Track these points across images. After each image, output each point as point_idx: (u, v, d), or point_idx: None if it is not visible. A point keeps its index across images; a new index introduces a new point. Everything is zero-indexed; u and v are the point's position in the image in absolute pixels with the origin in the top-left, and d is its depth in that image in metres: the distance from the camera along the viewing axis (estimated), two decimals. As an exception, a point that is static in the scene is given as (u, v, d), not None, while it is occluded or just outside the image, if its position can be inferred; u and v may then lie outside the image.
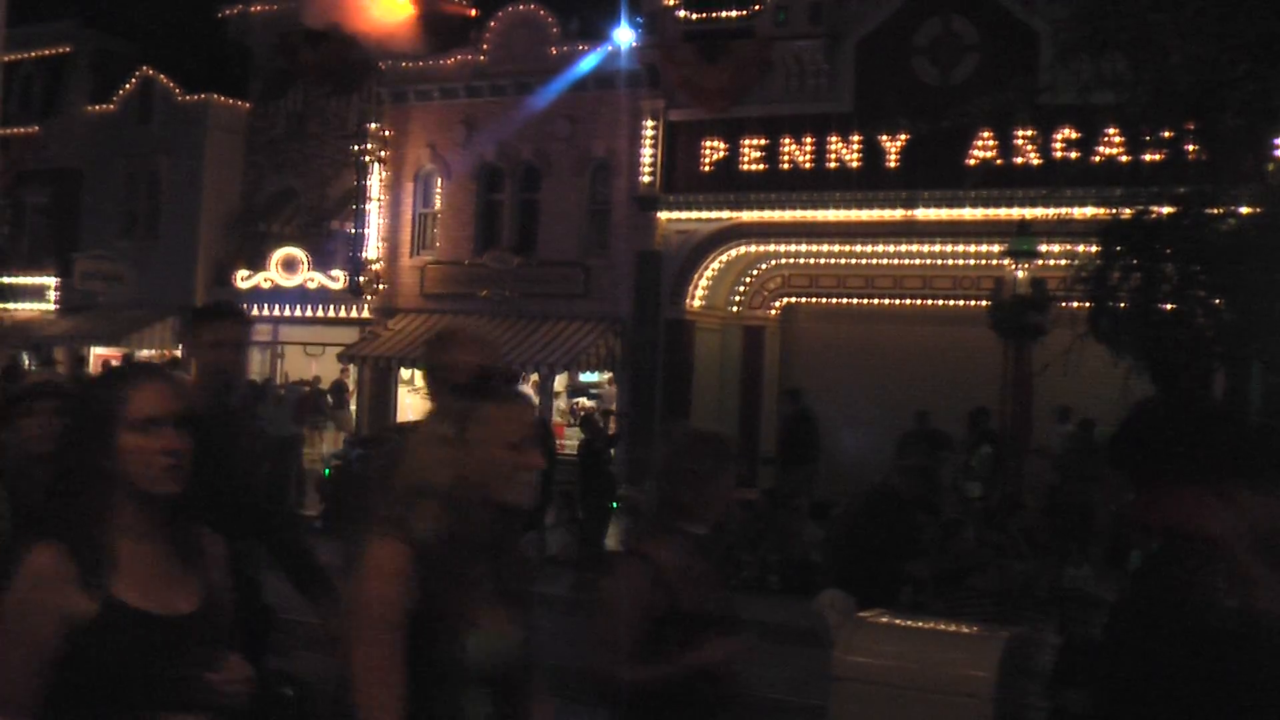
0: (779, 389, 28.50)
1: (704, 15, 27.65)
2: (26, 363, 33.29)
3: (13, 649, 3.42)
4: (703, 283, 27.86)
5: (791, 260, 28.01)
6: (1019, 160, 24.07)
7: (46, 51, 36.78)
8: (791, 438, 23.80)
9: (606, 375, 29.49)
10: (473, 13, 33.19)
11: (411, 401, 31.44)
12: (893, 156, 25.48)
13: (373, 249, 31.63)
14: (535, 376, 29.52)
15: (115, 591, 3.47)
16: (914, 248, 25.71)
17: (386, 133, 31.69)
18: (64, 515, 3.52)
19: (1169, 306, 16.33)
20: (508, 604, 3.89)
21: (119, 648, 3.44)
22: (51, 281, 36.26)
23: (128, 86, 35.67)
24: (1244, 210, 15.67)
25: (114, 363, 32.42)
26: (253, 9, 34.37)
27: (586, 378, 30.20)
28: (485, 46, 30.82)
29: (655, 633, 4.87)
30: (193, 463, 4.77)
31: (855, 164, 25.96)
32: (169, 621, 3.54)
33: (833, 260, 27.30)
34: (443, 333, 5.56)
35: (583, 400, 30.54)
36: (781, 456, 24.38)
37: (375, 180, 31.63)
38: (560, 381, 30.16)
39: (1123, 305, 16.64)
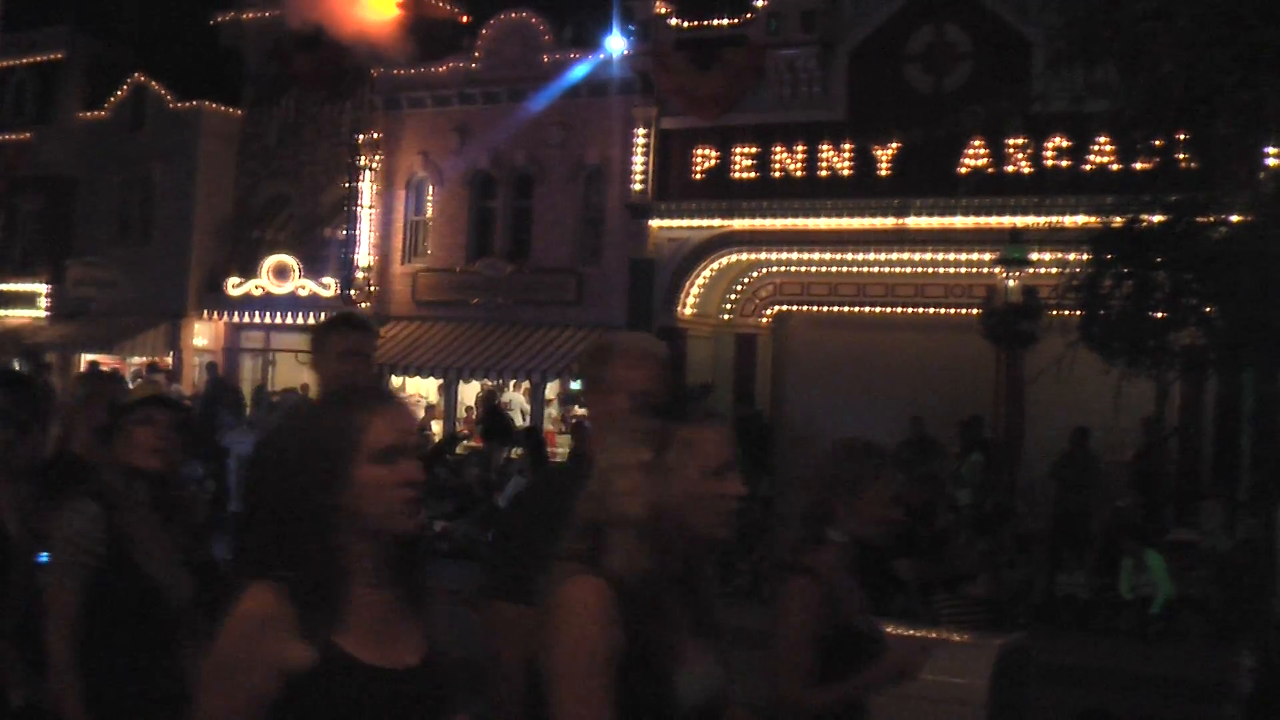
0: (770, 396, 28.53)
1: (696, 23, 27.66)
2: (18, 368, 33.23)
3: (224, 697, 3.14)
4: (695, 290, 27.87)
5: (783, 268, 28.01)
6: (1010, 168, 24.09)
7: (39, 58, 36.76)
8: (740, 444, 23.64)
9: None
10: (465, 19, 33.21)
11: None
12: (884, 165, 25.50)
13: (365, 256, 31.61)
14: (527, 384, 29.53)
15: (338, 640, 3.15)
16: (906, 256, 25.73)
17: (379, 140, 31.67)
18: (286, 553, 3.17)
19: (1161, 314, 16.36)
20: (704, 638, 3.63)
21: (339, 701, 3.14)
22: (43, 288, 36.22)
23: (120, 93, 35.64)
24: (1236, 218, 15.69)
25: (104, 367, 32.41)
26: (245, 16, 34.37)
27: (579, 385, 30.18)
28: (478, 54, 30.84)
29: (827, 652, 4.70)
30: None
31: (847, 172, 25.97)
32: (394, 675, 3.23)
33: (825, 268, 27.30)
34: (603, 345, 5.08)
35: (575, 408, 30.51)
36: None
37: (367, 187, 31.62)
38: (552, 389, 30.12)
39: (1115, 313, 16.68)
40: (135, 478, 5.19)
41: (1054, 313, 18.79)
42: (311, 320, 31.97)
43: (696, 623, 3.61)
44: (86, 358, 34.86)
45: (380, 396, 3.34)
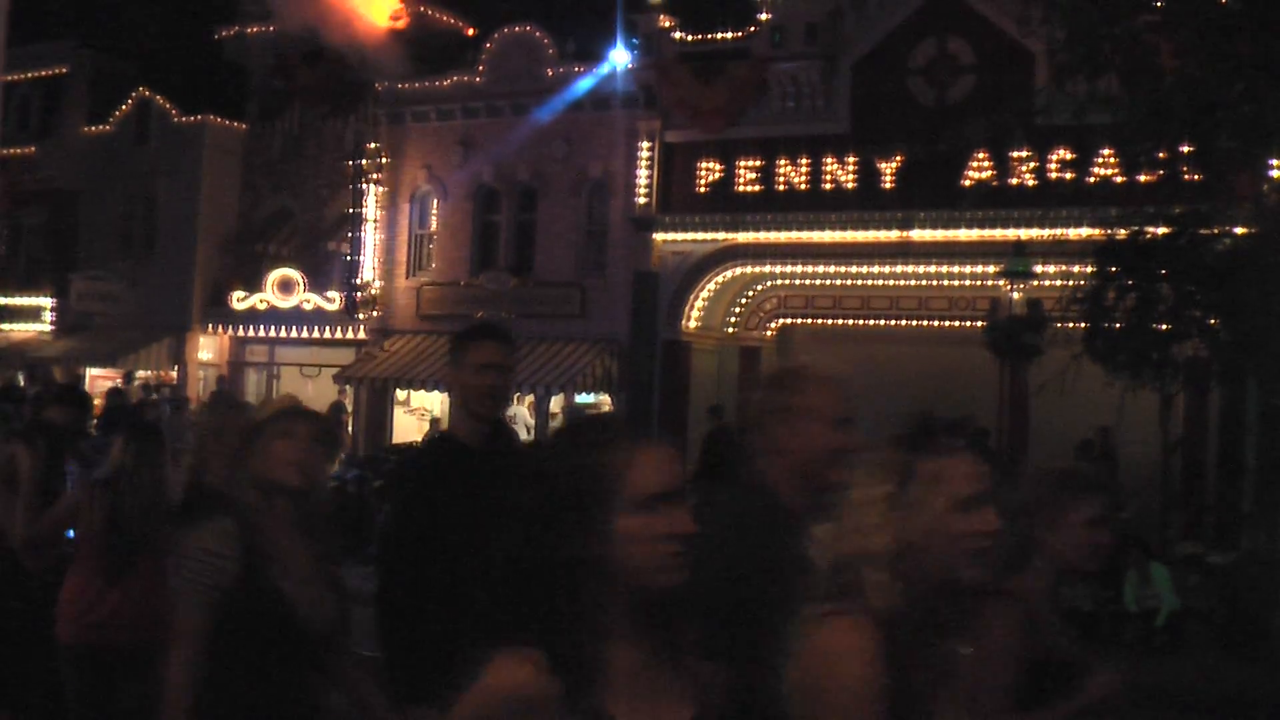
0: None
1: (700, 36, 27.71)
2: (22, 383, 33.29)
3: None
4: (699, 304, 27.87)
5: (787, 281, 27.99)
6: (1014, 181, 24.10)
7: (44, 72, 36.80)
8: (708, 455, 23.48)
9: (603, 396, 29.45)
10: (470, 32, 33.26)
11: (407, 423, 31.45)
12: (888, 177, 25.50)
13: (369, 270, 31.62)
14: (531, 397, 29.51)
15: (604, 708, 2.81)
16: (910, 268, 25.70)
17: (383, 154, 31.70)
18: (533, 615, 2.81)
19: (1165, 327, 16.37)
20: (951, 684, 3.34)
21: None
22: (48, 302, 36.24)
23: (125, 107, 35.69)
24: (1239, 230, 15.71)
25: (115, 384, 32.42)
26: (249, 30, 34.39)
27: (583, 399, 30.16)
28: (481, 68, 30.86)
29: (1029, 678, 4.50)
30: (468, 507, 4.42)
31: (851, 185, 25.97)
32: None
33: (829, 281, 27.29)
34: (789, 371, 4.85)
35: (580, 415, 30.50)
36: (697, 473, 24.02)
37: (371, 201, 31.63)
38: (556, 402, 30.09)
39: (1118, 325, 16.69)
40: (274, 493, 4.97)
41: (1058, 325, 18.77)
42: (316, 335, 32.07)
43: (946, 669, 3.34)
44: (93, 372, 34.93)
45: (638, 434, 3.00)
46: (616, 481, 2.85)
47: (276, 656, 4.88)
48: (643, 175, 28.00)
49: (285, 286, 32.96)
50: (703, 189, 27.46)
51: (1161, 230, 16.18)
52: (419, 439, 29.53)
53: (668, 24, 27.81)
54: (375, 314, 31.61)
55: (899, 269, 25.86)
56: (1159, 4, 15.06)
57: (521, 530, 2.91)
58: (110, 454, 7.82)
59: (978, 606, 3.53)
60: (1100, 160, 22.00)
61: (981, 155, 24.14)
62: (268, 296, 33.07)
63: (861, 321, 28.09)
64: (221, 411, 7.27)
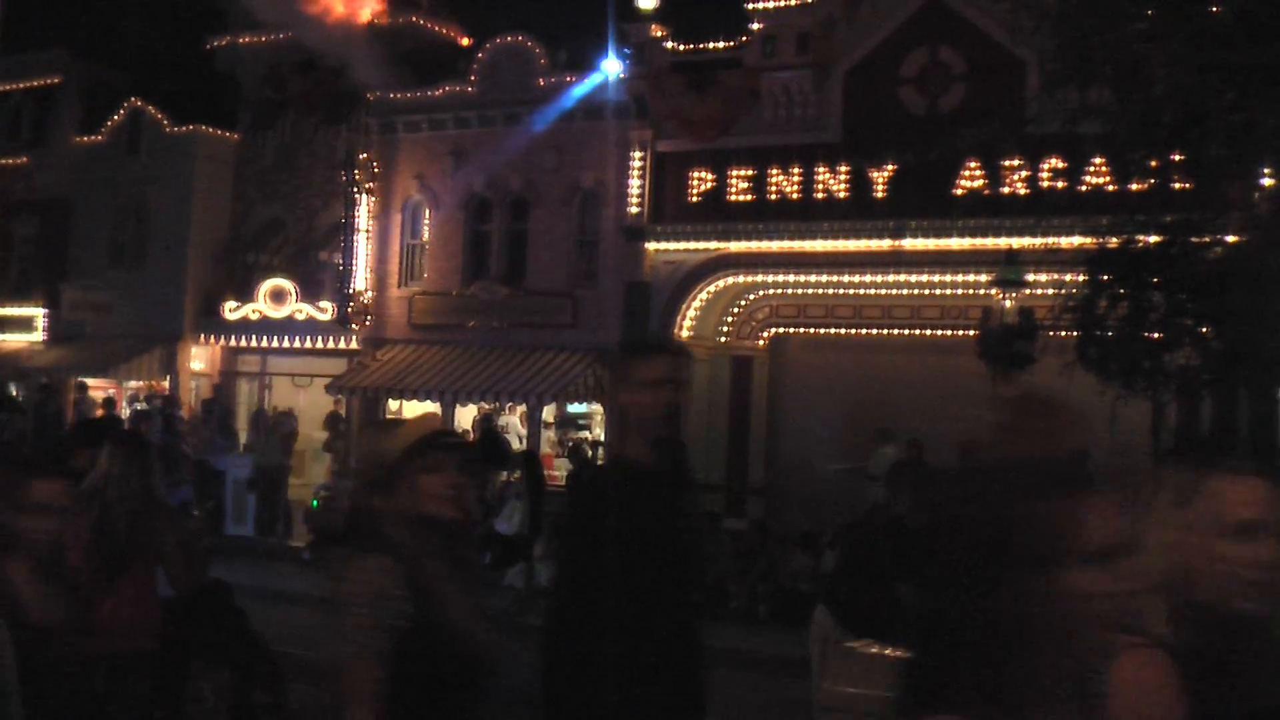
0: (767, 418, 28.50)
1: (692, 46, 27.74)
2: (15, 393, 33.28)
3: None
4: (691, 313, 27.85)
5: (780, 290, 28.01)
6: (1006, 190, 24.12)
7: (35, 82, 36.82)
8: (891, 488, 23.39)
9: (595, 406, 29.44)
10: (465, 42, 33.29)
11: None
12: (880, 186, 25.53)
13: (361, 280, 31.60)
14: (523, 407, 29.50)
15: None
16: (902, 277, 25.72)
17: (375, 163, 31.69)
18: (965, 679, 2.47)
19: (1157, 335, 16.38)
20: None
21: None
22: (40, 312, 36.20)
23: (116, 117, 35.67)
24: (1230, 239, 15.73)
25: (104, 394, 32.37)
26: (241, 40, 34.39)
27: (575, 408, 30.16)
28: (473, 77, 30.88)
29: None
30: (641, 529, 4.35)
31: (843, 194, 26.00)
32: None
33: (821, 290, 27.31)
34: (1031, 400, 4.71)
35: (570, 431, 30.50)
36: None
37: (363, 211, 31.62)
38: (549, 412, 30.09)
39: (1110, 334, 16.70)
40: (427, 528, 4.75)
41: (1050, 334, 18.79)
42: (308, 344, 32.04)
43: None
44: (89, 382, 34.91)
45: (1083, 482, 2.66)
46: (1069, 533, 2.53)
47: (453, 695, 4.75)
48: (634, 185, 28.01)
49: (277, 296, 32.95)
50: (695, 198, 27.48)
51: (1153, 239, 16.19)
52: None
53: (659, 34, 27.84)
54: (367, 324, 31.60)
55: (891, 278, 25.88)
56: (1149, 13, 15.09)
57: (939, 587, 2.59)
58: (97, 463, 7.81)
59: (1249, 643, 3.16)
60: (1092, 169, 22.00)
61: (973, 164, 24.16)
62: (260, 306, 33.05)
63: (854, 331, 28.09)
64: (378, 434, 6.97)
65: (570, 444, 28.76)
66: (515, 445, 28.35)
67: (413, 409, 31.21)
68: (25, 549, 4.94)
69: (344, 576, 4.68)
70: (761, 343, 29.11)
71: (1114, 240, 16.62)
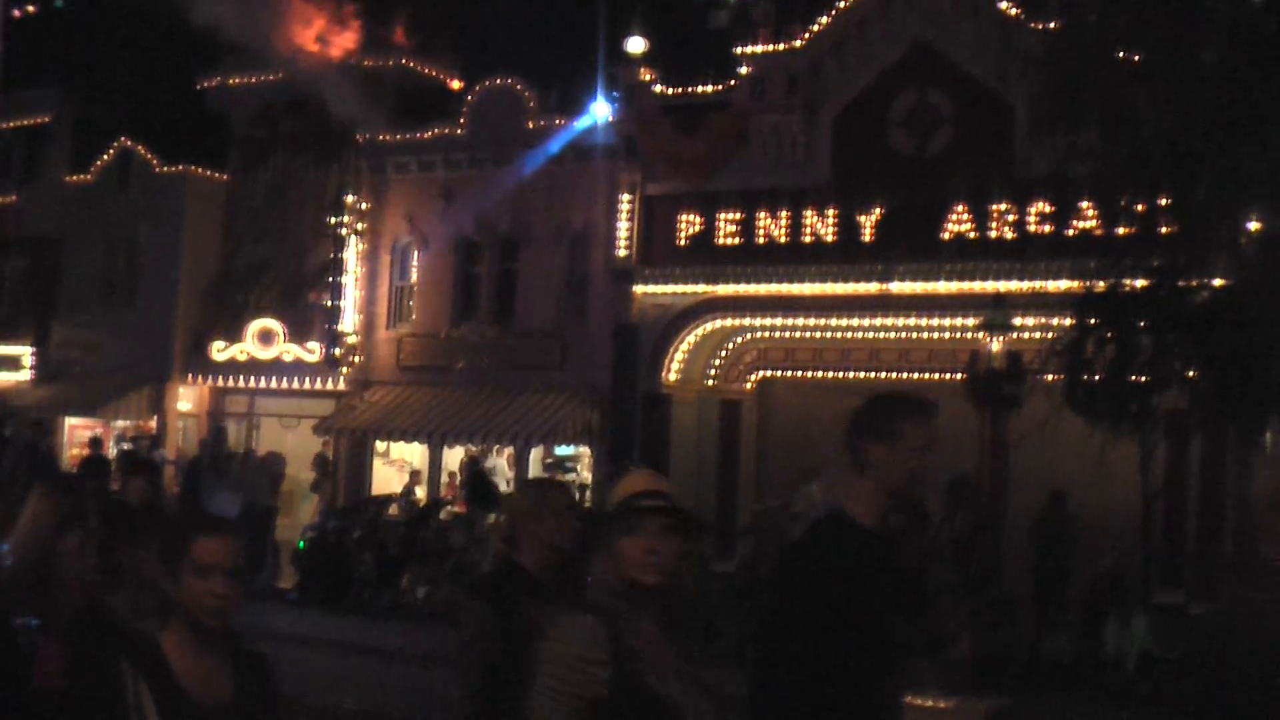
0: (755, 462, 28.48)
1: (680, 89, 27.84)
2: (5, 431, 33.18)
3: None
4: (679, 356, 27.85)
5: (767, 334, 28.02)
6: (993, 233, 24.19)
7: (26, 120, 36.87)
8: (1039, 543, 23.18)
9: (583, 448, 29.41)
10: (456, 84, 33.37)
11: (387, 474, 31.37)
12: (868, 230, 25.59)
13: (349, 321, 31.58)
14: (510, 449, 29.47)
15: None
16: (889, 321, 25.75)
17: (364, 204, 31.73)
18: None
19: (1144, 378, 16.44)
20: None
21: None
22: (28, 350, 36.15)
23: (107, 156, 35.70)
24: (1217, 282, 15.80)
25: (91, 434, 32.32)
26: (232, 80, 34.46)
27: (563, 450, 30.12)
28: (463, 119, 30.95)
29: None
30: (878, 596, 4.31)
31: (831, 237, 26.05)
32: None
33: (809, 334, 27.30)
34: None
35: (558, 473, 30.41)
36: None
37: (352, 252, 31.63)
38: (536, 454, 30.04)
39: (1098, 376, 16.75)
40: (633, 592, 4.49)
41: (1038, 377, 18.83)
42: (296, 385, 31.99)
43: None
44: (70, 421, 34.84)
45: None
46: None
47: None
48: (623, 227, 28.05)
49: (265, 337, 32.93)
50: (683, 241, 27.52)
51: (1140, 282, 16.27)
52: (398, 490, 29.49)
53: (648, 77, 27.94)
54: (355, 365, 31.57)
55: (879, 321, 25.91)
56: (1137, 58, 15.18)
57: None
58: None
59: None
60: (1079, 212, 22.10)
61: (961, 207, 24.25)
62: (248, 347, 33.03)
63: (841, 374, 28.07)
64: (541, 490, 6.84)
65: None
66: (502, 488, 28.30)
67: (400, 450, 31.23)
68: (187, 617, 4.47)
69: (546, 635, 4.45)
70: (749, 386, 29.10)
71: (1101, 283, 16.70)
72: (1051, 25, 15.79)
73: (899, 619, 5.05)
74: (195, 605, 4.39)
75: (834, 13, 26.25)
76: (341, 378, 31.68)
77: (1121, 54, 14.39)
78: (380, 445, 31.35)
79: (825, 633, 4.89)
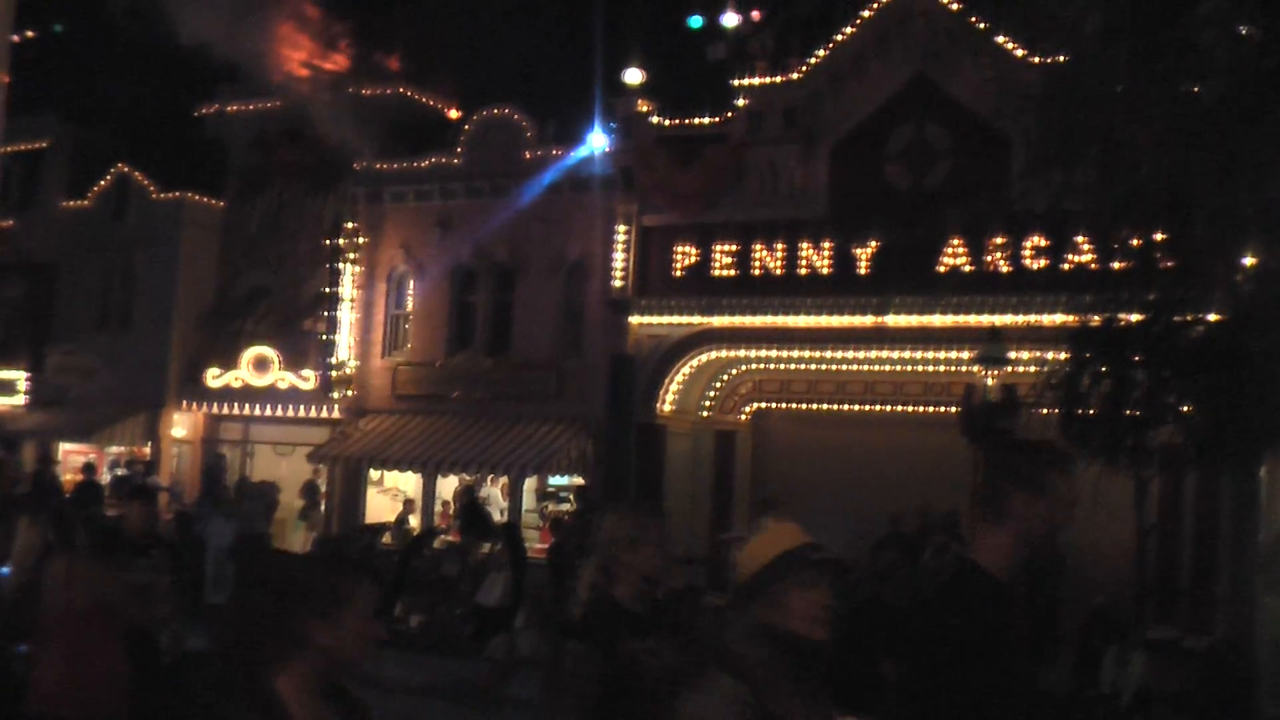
0: (750, 494, 28.46)
1: (678, 120, 27.90)
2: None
3: None
4: (674, 386, 27.87)
5: (763, 365, 28.05)
6: (990, 267, 24.25)
7: (23, 146, 36.87)
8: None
9: (578, 478, 29.39)
10: (454, 113, 33.43)
11: (380, 503, 31.33)
12: (864, 263, 25.65)
13: (345, 349, 31.59)
14: (505, 479, 29.44)
15: None
16: (885, 354, 25.78)
17: (360, 233, 31.75)
18: None
19: (1139, 413, 16.45)
20: None
21: None
22: (22, 375, 36.11)
23: (104, 182, 35.74)
24: (1213, 317, 15.83)
25: (85, 460, 32.26)
26: (229, 108, 34.55)
27: (557, 480, 30.10)
28: (460, 149, 31.00)
29: None
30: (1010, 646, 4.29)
31: (827, 270, 26.09)
32: None
33: (804, 366, 27.33)
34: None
35: (550, 504, 30.36)
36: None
37: (348, 280, 31.66)
38: (530, 484, 30.01)
39: (1093, 411, 16.76)
40: (785, 647, 4.28)
41: (1033, 411, 18.85)
42: (291, 413, 31.95)
43: None
44: (65, 447, 34.78)
45: None
46: None
47: None
48: (619, 258, 28.10)
49: (261, 364, 32.92)
50: (679, 272, 27.56)
51: (1136, 317, 16.30)
52: (391, 518, 29.47)
53: (646, 108, 28.01)
54: (350, 393, 31.57)
55: (874, 354, 25.94)
56: (1134, 95, 15.22)
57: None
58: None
59: None
60: (1075, 247, 22.15)
61: (957, 241, 24.32)
62: (243, 374, 33.03)
63: (836, 406, 28.14)
64: (636, 521, 6.46)
65: (550, 517, 28.74)
66: (496, 517, 28.27)
67: (395, 479, 31.20)
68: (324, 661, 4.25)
69: (679, 694, 4.16)
70: (744, 417, 29.14)
71: (1097, 318, 16.74)
72: (1050, 60, 15.84)
73: (1038, 669, 5.00)
74: (347, 648, 4.25)
75: (831, 46, 26.36)
76: (336, 406, 31.67)
77: (1119, 91, 14.42)
78: (374, 474, 31.31)
79: (969, 691, 4.78)
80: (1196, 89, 12.75)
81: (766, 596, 4.42)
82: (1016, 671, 4.87)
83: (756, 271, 26.77)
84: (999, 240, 23.90)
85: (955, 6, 25.07)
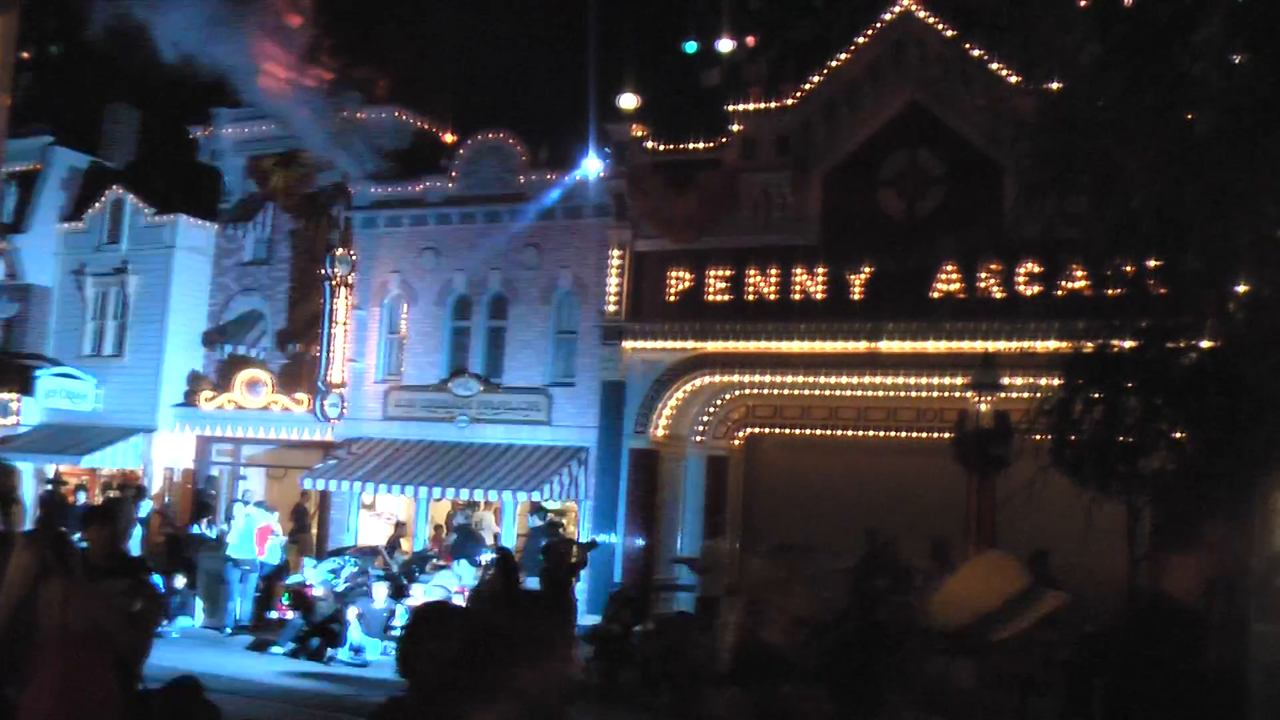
0: (742, 519, 28.46)
1: (671, 146, 27.96)
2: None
3: None
4: (667, 411, 27.89)
5: (756, 391, 28.07)
6: (983, 293, 24.30)
7: (17, 167, 36.91)
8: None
9: (570, 503, 29.37)
10: (448, 138, 33.49)
11: (372, 525, 31.30)
12: (857, 288, 25.69)
13: (337, 373, 31.60)
14: (497, 503, 29.41)
15: None
16: (878, 379, 25.81)
17: (354, 257, 31.77)
18: None
19: (1132, 439, 16.46)
20: None
21: None
22: (14, 398, 36.06)
23: (98, 204, 35.78)
24: (1206, 344, 15.85)
25: (72, 481, 32.23)
26: (224, 131, 34.60)
27: (550, 505, 30.06)
28: (454, 173, 31.06)
29: None
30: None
31: (820, 295, 26.14)
32: None
33: (797, 391, 27.35)
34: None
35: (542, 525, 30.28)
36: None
37: (342, 304, 31.67)
38: (522, 508, 29.96)
39: (1086, 437, 16.77)
40: (1005, 691, 4.24)
41: (1026, 436, 18.85)
42: (282, 435, 31.93)
43: None
44: (57, 467, 34.72)
45: None
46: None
47: None
48: (613, 283, 28.15)
49: (253, 387, 32.92)
50: (672, 298, 27.61)
51: (1129, 343, 16.32)
52: (383, 542, 29.42)
53: (640, 133, 28.08)
54: (343, 416, 31.56)
55: (867, 380, 25.97)
56: (1127, 124, 15.28)
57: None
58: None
59: None
60: (1068, 273, 22.20)
61: (950, 267, 24.38)
62: (235, 397, 33.03)
63: (829, 432, 28.16)
64: (783, 560, 6.03)
65: (543, 541, 28.65)
66: (488, 541, 28.21)
67: (386, 503, 31.15)
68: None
69: None
70: (737, 442, 29.15)
71: (1089, 344, 16.75)
72: (1043, 88, 15.91)
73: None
74: (547, 694, 4.23)
75: (826, 72, 26.44)
76: (329, 429, 31.66)
77: (1112, 120, 14.48)
78: (366, 497, 31.28)
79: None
80: (1189, 118, 12.81)
81: (1003, 640, 4.26)
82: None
83: (750, 297, 26.81)
84: (992, 266, 23.95)
85: (949, 34, 25.15)
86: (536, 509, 27.18)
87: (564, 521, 28.85)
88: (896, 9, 25.67)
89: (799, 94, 26.60)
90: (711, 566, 24.53)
